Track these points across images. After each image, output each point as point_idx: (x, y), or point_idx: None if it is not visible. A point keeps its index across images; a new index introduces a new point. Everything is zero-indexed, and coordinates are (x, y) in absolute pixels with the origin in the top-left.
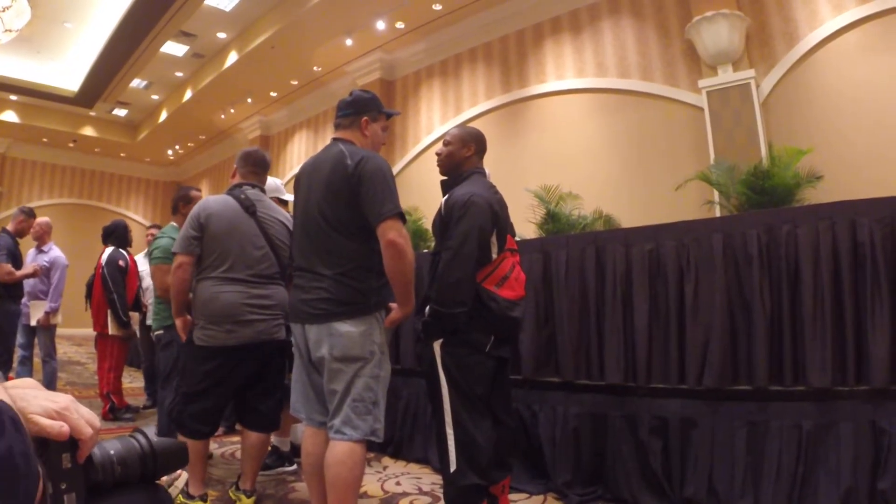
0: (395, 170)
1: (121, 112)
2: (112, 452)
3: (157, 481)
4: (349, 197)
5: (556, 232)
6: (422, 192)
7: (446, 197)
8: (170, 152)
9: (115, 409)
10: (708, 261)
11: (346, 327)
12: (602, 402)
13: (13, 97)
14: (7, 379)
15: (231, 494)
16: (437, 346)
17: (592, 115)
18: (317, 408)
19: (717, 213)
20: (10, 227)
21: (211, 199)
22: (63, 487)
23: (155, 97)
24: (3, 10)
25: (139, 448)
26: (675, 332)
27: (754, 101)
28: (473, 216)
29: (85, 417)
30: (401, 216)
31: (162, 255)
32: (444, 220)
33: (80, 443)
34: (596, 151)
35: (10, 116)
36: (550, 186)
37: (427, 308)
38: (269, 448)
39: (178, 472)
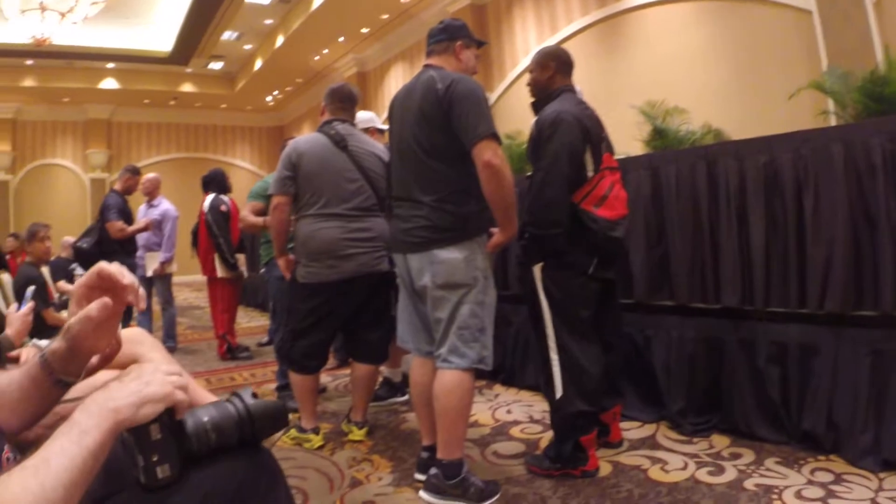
0: (493, 96)
1: (216, 65)
2: (206, 419)
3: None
4: (442, 121)
5: (665, 148)
6: (522, 115)
7: (536, 118)
8: (269, 99)
9: (231, 349)
10: (828, 173)
11: (447, 254)
12: (718, 327)
13: (111, 65)
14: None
15: (344, 427)
16: (537, 269)
17: (695, 24)
18: (424, 337)
19: (833, 124)
20: (117, 186)
21: (301, 139)
22: (154, 459)
23: (247, 47)
24: (94, 4)
25: (235, 413)
26: (794, 251)
27: (866, 0)
28: (563, 134)
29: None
30: (495, 137)
31: (254, 194)
32: (535, 141)
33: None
34: (701, 63)
35: (111, 83)
36: (655, 102)
37: (526, 231)
38: (381, 379)
39: None
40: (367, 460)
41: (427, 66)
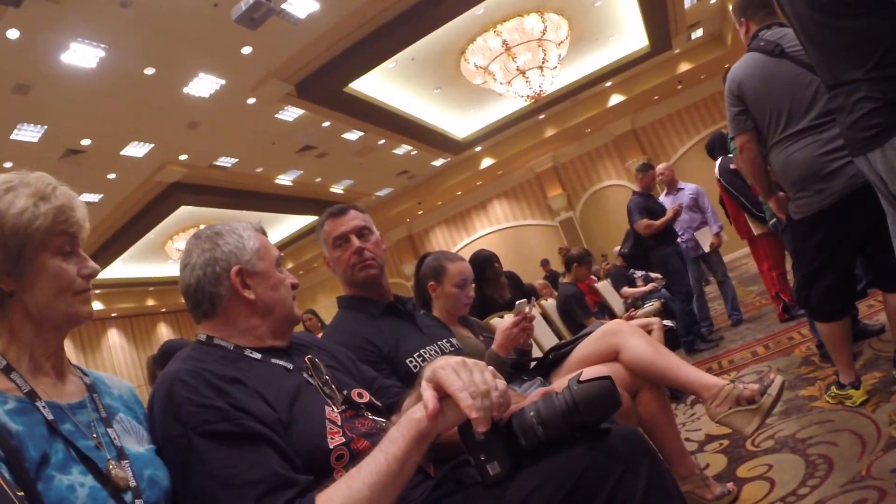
0: None
1: (697, 34)
2: (531, 415)
3: (601, 428)
4: None
5: None
6: None
7: None
8: None
9: (787, 308)
10: None
11: None
12: None
13: (608, 83)
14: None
15: (895, 372)
16: None
17: None
18: None
19: None
20: (636, 187)
21: (734, 67)
22: (482, 458)
23: (712, 0)
24: (559, 45)
25: (562, 404)
26: None
27: None
28: None
29: (493, 400)
30: None
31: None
32: None
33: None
34: None
35: (617, 98)
36: None
37: None
38: None
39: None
40: None
41: None
